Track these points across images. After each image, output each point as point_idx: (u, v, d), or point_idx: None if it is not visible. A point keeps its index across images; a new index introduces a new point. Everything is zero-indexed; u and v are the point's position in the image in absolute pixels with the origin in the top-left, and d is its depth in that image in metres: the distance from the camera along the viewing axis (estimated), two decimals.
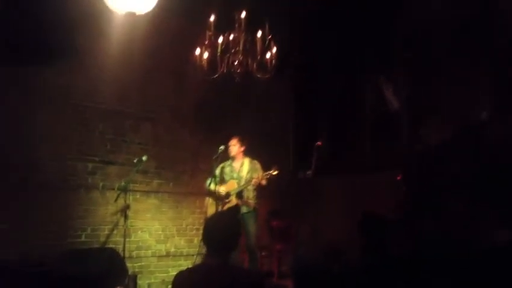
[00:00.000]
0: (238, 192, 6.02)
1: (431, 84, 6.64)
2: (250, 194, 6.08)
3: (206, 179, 6.32)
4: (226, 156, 6.24)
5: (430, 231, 5.01)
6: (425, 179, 5.57)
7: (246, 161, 6.18)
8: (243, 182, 6.03)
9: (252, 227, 6.00)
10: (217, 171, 6.20)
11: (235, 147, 6.14)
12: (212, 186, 6.18)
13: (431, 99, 6.61)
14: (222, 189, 6.05)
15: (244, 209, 6.00)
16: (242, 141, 6.20)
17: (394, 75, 7.30)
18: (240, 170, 6.14)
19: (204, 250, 6.25)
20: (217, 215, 4.60)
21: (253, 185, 6.01)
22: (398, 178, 5.94)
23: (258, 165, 6.15)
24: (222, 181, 6.14)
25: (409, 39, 7.01)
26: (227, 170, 6.16)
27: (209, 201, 6.27)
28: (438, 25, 6.55)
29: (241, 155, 6.20)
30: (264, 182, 5.98)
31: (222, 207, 6.01)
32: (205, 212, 6.44)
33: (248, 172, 6.09)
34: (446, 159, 5.50)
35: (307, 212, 6.25)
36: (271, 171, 5.89)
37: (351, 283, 3.14)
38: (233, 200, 6.00)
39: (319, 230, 6.01)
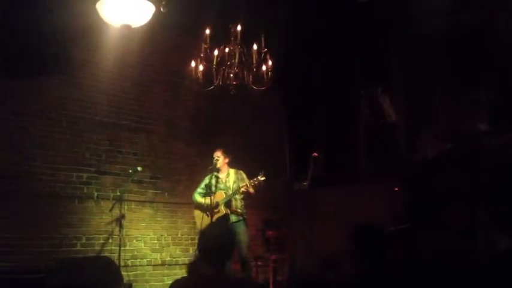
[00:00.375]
0: (226, 201, 6.07)
1: (429, 96, 6.70)
2: (238, 204, 6.14)
3: (194, 192, 6.39)
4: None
5: (428, 242, 5.04)
6: (423, 189, 5.59)
7: (232, 172, 6.27)
8: (230, 192, 6.09)
9: (242, 236, 6.04)
10: (204, 184, 6.28)
11: (220, 158, 6.20)
12: (199, 199, 6.27)
13: (428, 111, 6.67)
14: (212, 202, 6.09)
15: (233, 218, 6.05)
16: (226, 153, 6.27)
17: (391, 87, 7.36)
18: (226, 181, 6.22)
19: (197, 259, 6.31)
20: (212, 225, 4.63)
21: (242, 194, 6.06)
22: (396, 189, 5.97)
23: (243, 175, 6.24)
24: (209, 193, 6.18)
25: (406, 50, 7.09)
26: (213, 181, 6.18)
27: (197, 213, 6.32)
28: (435, 37, 6.63)
29: (226, 166, 6.28)
30: (251, 190, 6.03)
31: (211, 217, 6.05)
32: (195, 223, 6.50)
33: (235, 182, 6.17)
34: (444, 169, 5.53)
35: (303, 222, 6.28)
36: (258, 177, 5.93)
37: None
38: (221, 210, 6.06)
39: (314, 240, 6.02)
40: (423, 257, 4.79)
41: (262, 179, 5.91)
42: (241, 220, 6.09)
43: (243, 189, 5.98)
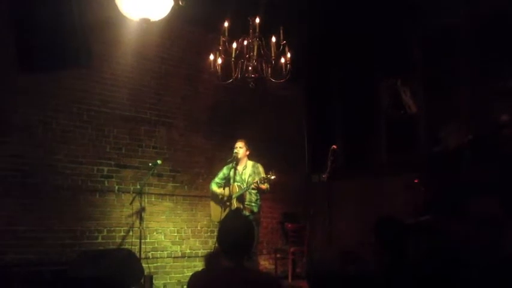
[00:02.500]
0: (240, 195, 6.03)
1: (450, 86, 6.62)
2: (253, 197, 6.07)
3: (211, 181, 6.41)
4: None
5: (448, 234, 4.98)
6: (444, 181, 5.53)
7: (249, 164, 6.20)
8: (245, 185, 6.05)
9: None
10: (222, 174, 6.29)
11: (242, 149, 6.15)
12: (215, 188, 6.28)
13: (450, 102, 6.58)
14: (226, 193, 6.08)
15: (246, 213, 5.96)
16: (248, 145, 6.22)
17: (412, 78, 7.29)
18: (242, 173, 6.16)
19: (217, 252, 6.34)
20: (230, 218, 4.61)
21: (254, 189, 6.00)
22: (416, 181, 5.90)
23: (260, 169, 6.15)
24: (226, 183, 6.18)
25: (427, 40, 7.00)
26: (230, 172, 6.12)
27: (213, 204, 6.36)
28: (456, 26, 6.54)
29: (245, 158, 6.21)
30: (264, 187, 5.96)
31: (224, 210, 6.05)
32: (209, 215, 6.54)
33: (250, 175, 6.10)
34: (466, 161, 5.46)
35: (322, 215, 6.27)
36: (268, 176, 5.84)
37: (367, 285, 3.13)
38: (233, 203, 6.00)
39: (333, 233, 6.01)
40: (443, 250, 4.73)
41: (273, 177, 5.81)
42: (251, 215, 5.95)
43: (253, 186, 5.93)
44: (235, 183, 6.06)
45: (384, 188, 6.95)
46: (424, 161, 6.54)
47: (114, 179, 6.49)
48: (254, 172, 6.12)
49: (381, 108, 7.66)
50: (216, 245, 6.29)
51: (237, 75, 5.54)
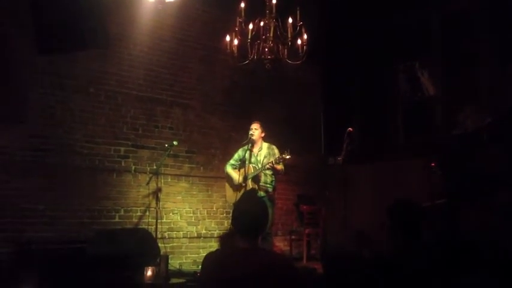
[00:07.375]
0: (255, 176, 6.04)
1: (468, 69, 6.54)
2: (268, 179, 6.09)
3: (227, 163, 6.43)
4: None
5: (466, 219, 4.96)
6: (462, 165, 5.49)
7: (265, 146, 6.20)
8: (259, 167, 6.05)
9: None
10: (237, 156, 6.30)
11: (257, 131, 6.14)
12: (229, 170, 6.30)
13: (468, 84, 6.50)
14: (240, 178, 6.09)
15: (261, 194, 5.98)
16: (263, 127, 6.23)
17: (430, 60, 7.20)
18: (258, 155, 6.16)
19: (232, 232, 6.39)
20: (244, 199, 4.63)
21: (269, 169, 6.00)
22: (433, 164, 5.87)
23: (275, 150, 6.15)
24: (242, 165, 6.20)
25: (445, 22, 6.90)
26: (246, 154, 6.13)
27: (228, 186, 6.39)
28: (475, 8, 6.43)
29: (260, 140, 6.21)
30: (279, 167, 5.98)
31: (239, 191, 6.07)
32: (225, 196, 6.58)
33: (265, 157, 6.10)
34: (484, 144, 5.41)
35: (338, 197, 6.27)
36: (283, 155, 5.84)
37: (382, 267, 3.14)
38: (249, 184, 6.01)
39: (348, 215, 6.00)
40: (458, 233, 4.72)
41: (288, 157, 5.80)
42: (266, 196, 5.96)
43: (268, 165, 5.93)
44: (251, 165, 6.08)
45: (400, 171, 6.92)
46: (441, 144, 6.49)
47: (130, 159, 6.54)
48: (269, 154, 6.12)
49: (398, 90, 7.59)
50: (231, 225, 6.36)
51: (253, 57, 5.52)
